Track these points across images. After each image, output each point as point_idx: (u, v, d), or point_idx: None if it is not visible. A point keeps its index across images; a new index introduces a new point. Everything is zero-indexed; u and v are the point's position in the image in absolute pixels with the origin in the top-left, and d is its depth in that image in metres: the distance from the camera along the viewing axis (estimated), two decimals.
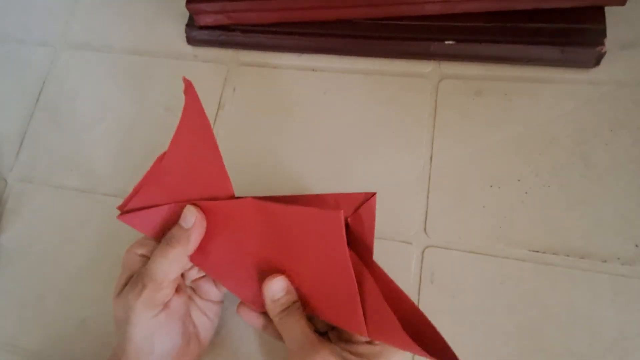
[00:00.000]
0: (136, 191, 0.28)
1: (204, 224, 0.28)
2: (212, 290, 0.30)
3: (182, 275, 0.30)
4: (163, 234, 0.28)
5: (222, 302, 0.32)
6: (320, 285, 0.26)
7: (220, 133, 0.38)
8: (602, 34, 0.32)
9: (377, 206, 0.34)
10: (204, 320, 0.30)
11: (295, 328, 0.26)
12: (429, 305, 0.31)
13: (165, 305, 0.27)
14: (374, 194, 0.25)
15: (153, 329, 0.26)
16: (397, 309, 0.24)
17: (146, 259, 0.28)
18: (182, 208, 0.27)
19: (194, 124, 0.26)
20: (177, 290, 0.28)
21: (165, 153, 0.28)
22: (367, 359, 0.25)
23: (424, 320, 0.24)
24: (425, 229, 0.32)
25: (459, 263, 0.31)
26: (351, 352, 0.25)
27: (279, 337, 0.28)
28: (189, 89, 0.27)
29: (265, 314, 0.29)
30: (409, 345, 0.23)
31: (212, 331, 0.31)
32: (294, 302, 0.27)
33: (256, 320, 0.29)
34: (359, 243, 0.26)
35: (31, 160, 0.41)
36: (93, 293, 0.35)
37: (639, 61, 0.33)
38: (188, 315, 0.29)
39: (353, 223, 0.26)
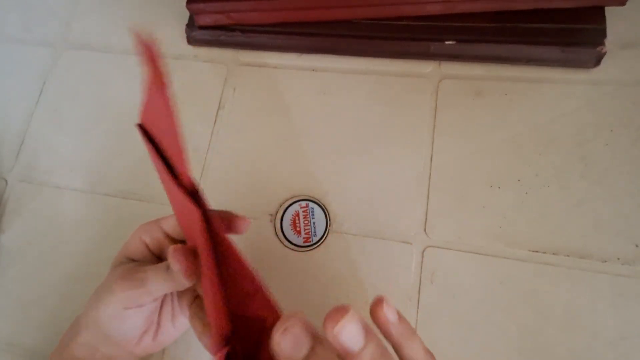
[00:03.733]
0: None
1: (189, 266, 0.25)
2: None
3: None
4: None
5: None
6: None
7: (220, 133, 0.38)
8: (602, 34, 0.32)
9: (377, 206, 0.34)
10: (168, 326, 0.29)
11: None
12: (429, 305, 0.31)
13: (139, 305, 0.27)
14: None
15: (118, 315, 0.27)
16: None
17: (147, 248, 0.28)
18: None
19: (156, 99, 0.20)
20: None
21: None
22: None
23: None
24: (425, 229, 0.32)
25: (459, 263, 0.31)
26: None
27: None
28: (149, 48, 0.18)
29: None
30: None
31: (170, 340, 0.30)
32: None
33: None
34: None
35: (31, 160, 0.41)
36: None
37: (639, 61, 0.33)
38: (155, 314, 0.29)
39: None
